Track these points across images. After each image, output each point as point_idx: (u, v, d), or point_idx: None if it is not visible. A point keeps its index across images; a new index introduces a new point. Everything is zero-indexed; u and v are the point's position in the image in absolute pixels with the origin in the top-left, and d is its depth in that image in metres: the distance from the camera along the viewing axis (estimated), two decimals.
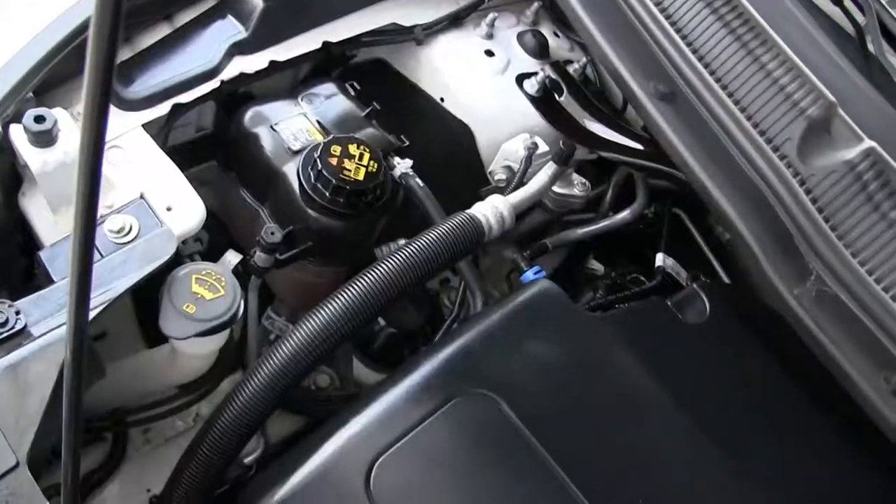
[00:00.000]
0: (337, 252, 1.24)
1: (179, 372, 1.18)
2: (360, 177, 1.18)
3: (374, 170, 1.20)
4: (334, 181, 1.17)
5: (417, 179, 1.28)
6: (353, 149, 1.22)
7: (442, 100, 1.48)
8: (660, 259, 1.41)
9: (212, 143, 1.42)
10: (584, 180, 1.41)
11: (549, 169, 1.31)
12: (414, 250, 1.09)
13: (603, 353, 1.15)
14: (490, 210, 1.18)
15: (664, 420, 1.13)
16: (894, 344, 1.04)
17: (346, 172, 1.18)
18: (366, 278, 1.07)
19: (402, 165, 1.28)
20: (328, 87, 1.40)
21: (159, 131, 1.24)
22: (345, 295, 1.06)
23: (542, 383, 1.10)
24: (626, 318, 1.22)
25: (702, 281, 1.33)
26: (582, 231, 1.43)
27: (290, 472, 1.01)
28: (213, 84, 1.25)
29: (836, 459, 1.20)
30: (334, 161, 1.19)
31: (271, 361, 1.02)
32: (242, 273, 1.20)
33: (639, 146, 1.40)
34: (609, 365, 1.15)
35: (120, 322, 1.27)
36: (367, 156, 1.21)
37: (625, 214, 1.42)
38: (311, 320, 1.05)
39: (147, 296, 1.11)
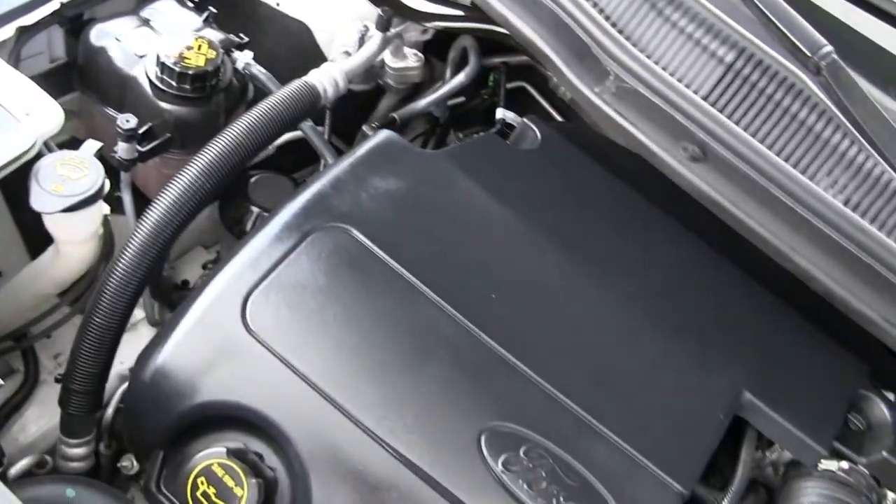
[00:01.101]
0: (194, 139, 1.38)
1: (65, 267, 1.30)
2: (202, 63, 1.33)
3: (214, 56, 1.34)
4: (178, 69, 1.32)
5: (260, 67, 1.42)
6: (192, 42, 1.37)
7: (278, 4, 1.62)
8: (500, 113, 1.58)
9: (68, 73, 1.53)
10: (417, 52, 1.57)
11: (375, 38, 1.48)
12: (256, 115, 1.24)
13: (444, 181, 1.32)
14: (324, 75, 1.34)
15: (511, 237, 1.31)
16: (685, 118, 1.24)
17: (187, 60, 1.33)
18: (217, 142, 1.21)
19: (244, 57, 1.42)
20: (167, 3, 1.53)
21: (9, 56, 1.35)
22: (199, 160, 1.20)
23: (391, 212, 1.26)
24: (461, 151, 1.40)
25: (532, 116, 1.51)
26: (425, 101, 1.59)
27: (172, 327, 1.15)
28: (53, 5, 1.37)
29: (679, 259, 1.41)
30: (177, 54, 1.34)
31: (154, 212, 1.16)
32: (110, 170, 1.33)
33: (461, 13, 1.56)
34: (451, 192, 1.32)
35: (11, 259, 1.40)
36: (205, 45, 1.36)
37: (460, 77, 1.59)
38: (173, 186, 1.19)
39: (36, 231, 1.24)
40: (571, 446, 1.14)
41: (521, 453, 1.12)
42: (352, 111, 1.50)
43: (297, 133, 1.51)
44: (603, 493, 1.12)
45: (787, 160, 1.19)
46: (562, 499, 1.11)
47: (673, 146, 1.25)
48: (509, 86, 1.70)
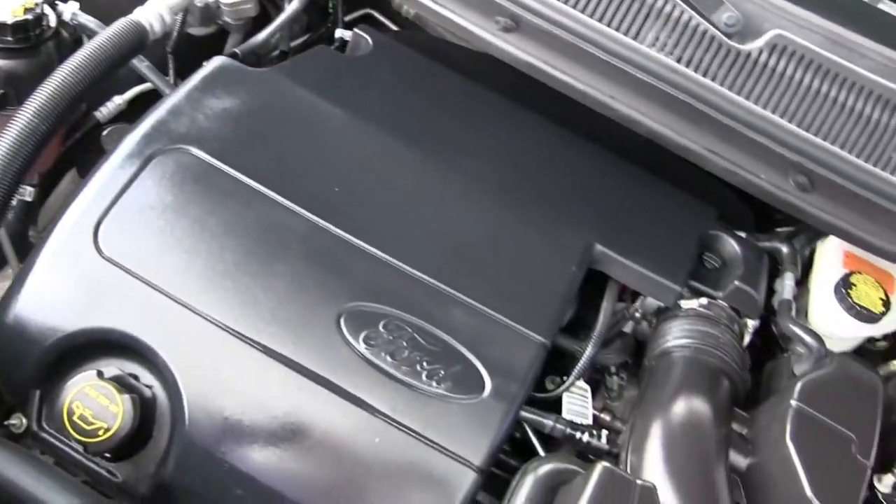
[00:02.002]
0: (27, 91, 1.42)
1: None
2: (21, 14, 1.37)
3: (32, 5, 1.39)
4: None
5: (88, 17, 1.46)
6: None
7: None
8: (338, 33, 1.63)
9: None
10: None
11: None
12: (83, 53, 1.28)
13: (277, 93, 1.38)
14: (149, 11, 1.38)
15: (350, 135, 1.37)
16: None
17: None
18: (47, 83, 1.25)
19: (70, 7, 1.46)
20: None
21: None
22: (31, 103, 1.24)
23: (228, 128, 1.31)
24: (292, 65, 1.45)
25: (362, 26, 1.57)
26: (264, 33, 1.62)
27: (28, 268, 1.19)
28: None
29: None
30: None
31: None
32: None
33: None
34: (285, 102, 1.37)
35: None
36: None
37: (294, 4, 1.62)
38: (7, 132, 1.23)
39: None
40: (429, 315, 1.20)
41: (381, 328, 1.19)
42: (197, 56, 1.54)
43: (147, 85, 1.56)
44: (464, 353, 1.19)
45: (591, 16, 1.26)
46: (425, 364, 1.17)
47: (486, 21, 1.32)
48: (357, 13, 1.76)
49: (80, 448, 1.14)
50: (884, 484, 1.23)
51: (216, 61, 1.39)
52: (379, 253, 1.24)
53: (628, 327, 1.41)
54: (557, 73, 1.27)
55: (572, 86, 1.28)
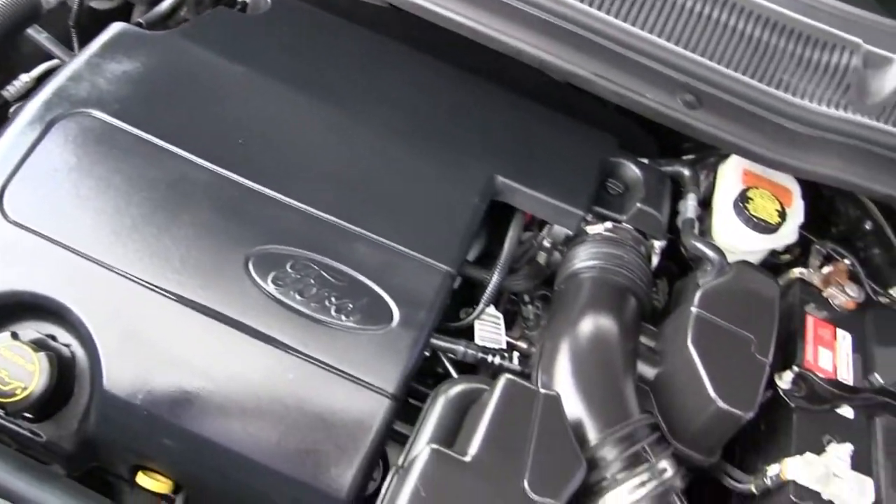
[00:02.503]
0: None
1: None
2: None
3: None
4: None
5: None
6: None
7: None
8: None
9: None
10: None
11: None
12: None
13: (177, 54, 1.41)
14: None
15: (250, 89, 1.40)
16: None
17: None
18: None
19: None
20: None
21: None
22: None
23: (129, 90, 1.34)
24: (192, 26, 1.49)
25: None
26: (168, 2, 1.65)
27: None
28: None
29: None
30: None
31: None
32: None
33: None
34: (185, 61, 1.40)
35: None
36: None
37: None
38: None
39: None
40: (335, 253, 1.25)
41: (288, 268, 1.23)
42: (101, 30, 1.56)
43: (54, 62, 1.58)
44: (371, 286, 1.23)
45: None
46: (333, 299, 1.21)
47: None
48: None
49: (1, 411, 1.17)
50: (784, 380, 1.29)
51: (115, 27, 1.42)
52: (283, 198, 1.28)
53: (542, 259, 1.46)
54: (446, 13, 1.32)
55: (462, 24, 1.32)
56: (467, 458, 1.06)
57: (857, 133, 1.35)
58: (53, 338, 1.20)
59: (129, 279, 1.19)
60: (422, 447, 1.10)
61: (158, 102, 1.35)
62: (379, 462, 1.21)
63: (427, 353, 1.31)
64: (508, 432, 1.09)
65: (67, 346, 1.20)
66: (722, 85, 1.33)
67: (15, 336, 1.17)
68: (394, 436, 1.22)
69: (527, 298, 1.43)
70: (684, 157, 1.60)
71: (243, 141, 1.33)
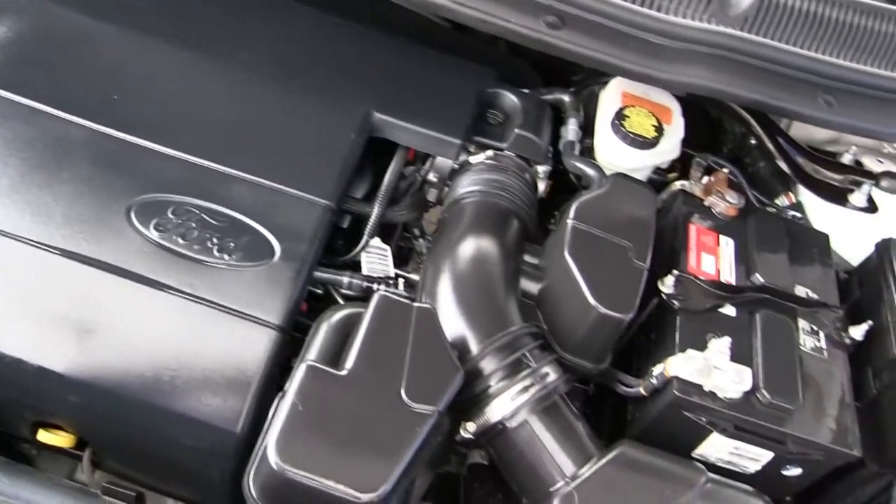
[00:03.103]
0: None
1: None
2: None
3: None
4: None
5: None
6: None
7: None
8: None
9: None
10: None
11: None
12: None
13: (42, 15, 1.43)
14: None
15: (116, 44, 1.43)
16: None
17: None
18: None
19: None
20: None
21: None
22: None
23: None
24: None
25: None
26: None
27: None
28: None
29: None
30: None
31: None
32: None
33: None
34: (53, 21, 1.43)
35: None
36: None
37: None
38: None
39: None
40: (215, 196, 1.28)
41: (170, 214, 1.26)
42: None
43: None
44: (251, 224, 1.27)
45: None
46: (215, 240, 1.25)
47: None
48: None
49: None
50: (666, 285, 1.34)
51: None
52: (161, 148, 1.31)
53: (433, 195, 1.51)
54: None
55: None
56: (344, 372, 1.10)
57: (722, 43, 1.39)
58: None
59: (12, 239, 1.22)
60: None
61: (27, 65, 1.37)
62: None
63: (320, 292, 1.35)
64: (384, 345, 1.13)
65: None
66: (583, 4, 1.37)
67: None
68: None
69: (417, 233, 1.48)
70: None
71: (118, 96, 1.36)
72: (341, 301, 1.35)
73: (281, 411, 1.06)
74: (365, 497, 1.03)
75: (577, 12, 1.37)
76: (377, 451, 1.06)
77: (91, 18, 1.44)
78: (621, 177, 1.41)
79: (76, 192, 1.26)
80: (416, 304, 1.17)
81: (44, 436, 1.25)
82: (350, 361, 1.11)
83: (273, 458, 1.03)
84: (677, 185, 1.50)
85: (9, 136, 1.29)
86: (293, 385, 1.08)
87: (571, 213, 1.33)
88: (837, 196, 1.59)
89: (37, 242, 1.22)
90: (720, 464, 1.32)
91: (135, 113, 1.35)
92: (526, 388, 1.20)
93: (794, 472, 1.31)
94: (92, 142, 1.30)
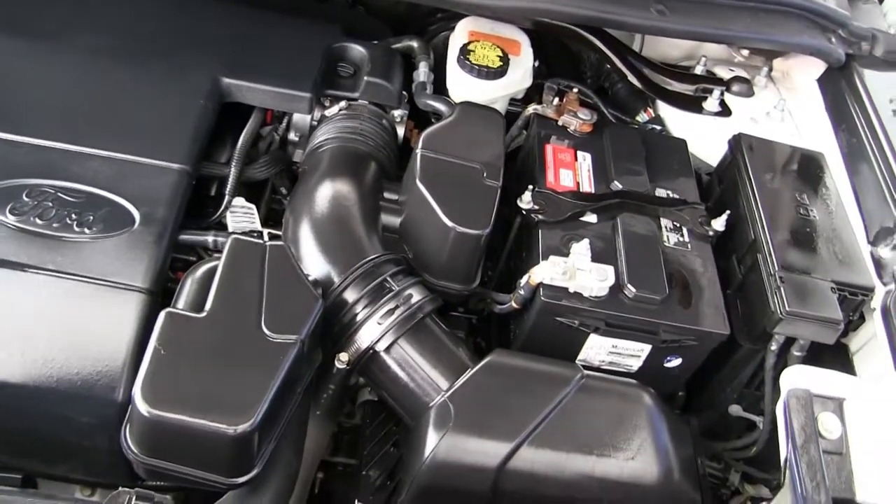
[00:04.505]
0: None
1: None
2: None
3: None
4: None
5: None
6: None
7: None
8: None
9: None
10: None
11: None
12: None
13: None
14: None
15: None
16: None
17: None
18: None
19: None
20: None
21: None
22: None
23: None
24: None
25: None
26: None
27: None
28: None
29: None
30: None
31: None
32: None
33: None
34: None
35: None
36: None
37: None
38: None
39: None
40: (69, 175, 1.31)
41: (25, 197, 1.29)
42: None
43: None
44: (109, 196, 1.30)
45: None
46: (73, 216, 1.28)
47: None
48: None
49: None
50: (524, 201, 1.40)
51: None
52: (7, 135, 1.34)
53: (298, 156, 1.56)
54: None
55: None
56: (202, 315, 1.14)
57: None
58: None
59: None
60: None
61: None
62: None
63: (193, 259, 1.39)
64: (240, 285, 1.17)
65: None
66: None
67: None
68: None
69: (284, 191, 1.53)
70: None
71: None
72: None
73: (145, 359, 1.10)
74: (235, 429, 1.06)
75: None
76: (243, 384, 1.10)
77: None
78: (467, 104, 1.47)
79: None
80: (268, 243, 1.22)
81: None
82: (208, 304, 1.15)
83: (141, 405, 1.06)
84: (530, 109, 1.57)
85: None
86: (154, 332, 1.12)
87: (420, 143, 1.39)
88: (692, 105, 1.67)
89: None
90: (604, 366, 1.38)
91: None
92: (391, 311, 1.25)
93: (675, 362, 1.38)
94: None
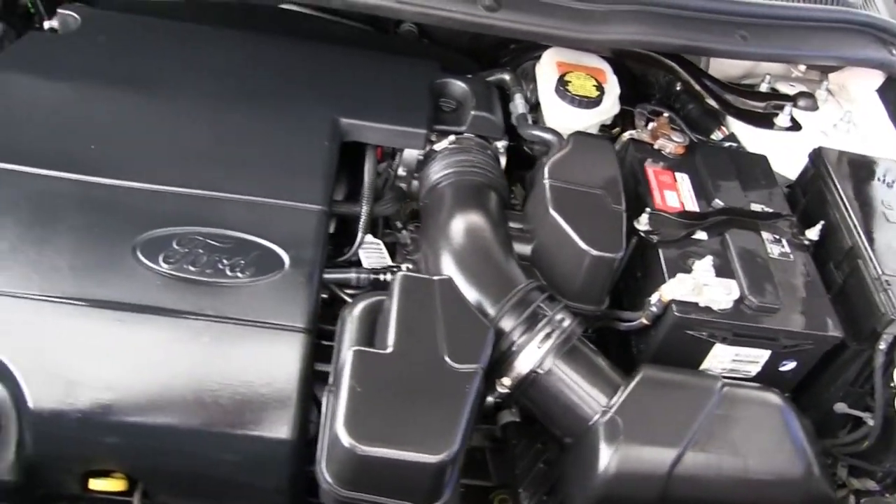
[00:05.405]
0: None
1: None
2: None
3: None
4: None
5: None
6: None
7: None
8: (46, 24, 1.74)
9: None
10: None
11: None
12: None
13: (8, 84, 1.49)
14: None
15: (88, 99, 1.50)
16: None
17: None
18: None
19: None
20: None
21: None
22: None
23: None
24: (8, 55, 1.58)
25: (65, 4, 1.70)
26: None
27: None
28: None
29: None
30: None
31: None
32: None
33: None
34: (14, 90, 1.49)
35: None
36: None
37: None
38: None
39: None
40: (213, 221, 1.36)
41: (175, 245, 1.33)
42: None
43: None
44: (256, 240, 1.35)
45: None
46: (224, 261, 1.33)
47: None
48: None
49: None
50: (641, 223, 1.50)
51: None
52: (150, 186, 1.38)
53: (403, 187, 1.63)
54: None
55: None
56: (388, 350, 1.20)
57: None
58: None
59: (24, 298, 1.26)
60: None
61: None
62: (313, 405, 1.33)
63: (326, 296, 1.45)
64: (417, 319, 1.24)
65: None
66: None
67: None
68: (319, 376, 1.33)
69: (399, 225, 1.59)
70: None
71: (94, 147, 1.42)
72: (348, 300, 1.45)
73: (340, 399, 1.16)
74: (437, 458, 1.13)
75: None
76: (437, 414, 1.17)
77: (51, 79, 1.50)
78: (579, 134, 1.57)
79: (77, 242, 1.32)
80: (435, 278, 1.29)
81: (96, 484, 1.30)
82: (391, 339, 1.21)
83: (346, 440, 1.12)
84: (626, 135, 1.67)
85: None
86: (346, 372, 1.17)
87: (546, 173, 1.47)
88: (764, 121, 1.79)
89: (48, 296, 1.26)
90: (724, 373, 1.48)
91: (114, 158, 1.41)
92: (548, 336, 1.33)
93: (789, 366, 1.49)
94: (80, 192, 1.36)
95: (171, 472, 1.32)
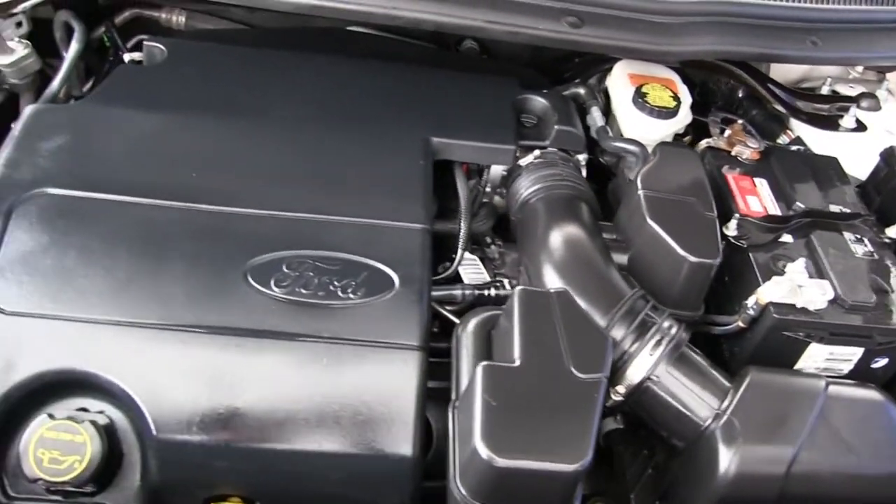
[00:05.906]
0: None
1: None
2: None
3: None
4: None
5: None
6: None
7: None
8: (126, 57, 1.78)
9: None
10: (21, 40, 1.73)
11: None
12: None
13: (100, 118, 1.52)
14: None
15: (185, 127, 1.54)
16: None
17: None
18: None
19: None
20: None
21: None
22: None
23: (69, 160, 1.43)
24: (102, 90, 1.60)
25: (149, 37, 1.73)
26: (56, 80, 1.72)
27: None
28: None
29: None
30: None
31: None
32: None
33: None
34: (111, 121, 1.52)
35: None
36: None
37: (74, 46, 1.74)
38: None
39: None
40: (320, 243, 1.38)
41: (285, 269, 1.36)
42: None
43: None
44: (365, 261, 1.38)
45: None
46: (335, 283, 1.36)
47: None
48: (132, 41, 1.91)
49: (61, 495, 1.25)
50: (730, 229, 1.54)
51: (28, 110, 1.50)
52: (254, 211, 1.41)
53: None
54: (339, 5, 1.50)
55: (357, 11, 1.51)
56: (516, 363, 1.23)
57: (716, 10, 1.63)
58: (85, 409, 1.28)
59: (143, 327, 1.29)
60: (467, 377, 1.27)
61: (102, 164, 1.45)
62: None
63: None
64: (539, 332, 1.27)
65: (100, 412, 1.29)
66: (596, 1, 1.57)
67: (52, 416, 1.24)
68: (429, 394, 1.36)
69: (488, 240, 1.63)
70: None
71: (196, 174, 1.45)
72: (453, 319, 1.47)
73: (475, 414, 1.18)
74: (573, 467, 1.16)
75: (592, 9, 1.58)
76: (569, 424, 1.20)
77: (145, 110, 1.53)
78: (665, 145, 1.61)
79: (189, 268, 1.34)
80: (552, 290, 1.32)
81: None
82: (517, 353, 1.24)
83: (485, 454, 1.15)
84: (703, 143, 1.71)
85: (107, 233, 1.36)
86: (477, 387, 1.20)
87: (639, 184, 1.51)
88: (830, 124, 1.84)
89: (166, 325, 1.29)
90: (818, 372, 1.52)
91: (217, 185, 1.44)
92: (658, 343, 1.36)
93: (881, 363, 1.53)
94: (187, 220, 1.39)
95: (291, 494, 1.34)
